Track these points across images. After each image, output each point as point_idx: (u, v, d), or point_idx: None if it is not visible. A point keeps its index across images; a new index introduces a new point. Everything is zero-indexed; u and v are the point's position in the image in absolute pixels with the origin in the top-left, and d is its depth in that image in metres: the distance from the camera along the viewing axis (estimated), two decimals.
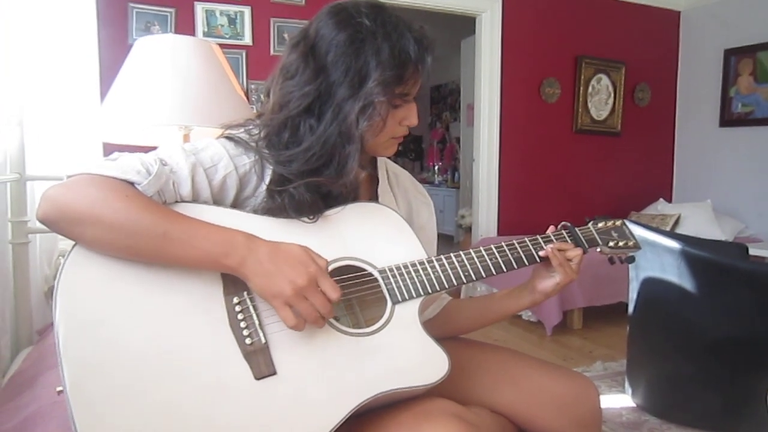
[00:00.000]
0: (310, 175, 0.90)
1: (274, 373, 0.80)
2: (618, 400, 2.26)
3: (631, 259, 1.12)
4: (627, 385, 2.26)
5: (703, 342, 1.92)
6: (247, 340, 0.81)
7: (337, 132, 0.89)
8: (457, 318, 1.16)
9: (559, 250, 1.02)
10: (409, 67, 0.91)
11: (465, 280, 0.97)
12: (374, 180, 1.09)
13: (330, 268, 0.89)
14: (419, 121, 0.98)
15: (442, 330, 1.10)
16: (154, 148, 0.90)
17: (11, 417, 1.02)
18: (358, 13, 0.90)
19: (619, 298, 3.27)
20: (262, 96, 1.01)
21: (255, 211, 0.91)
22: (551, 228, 1.08)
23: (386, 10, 0.93)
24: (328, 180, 0.91)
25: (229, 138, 0.94)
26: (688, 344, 1.97)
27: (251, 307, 0.83)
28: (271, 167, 0.92)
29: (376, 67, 0.88)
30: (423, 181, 7.62)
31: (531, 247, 1.04)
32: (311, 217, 0.91)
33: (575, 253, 1.03)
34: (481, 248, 1.01)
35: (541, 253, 1.03)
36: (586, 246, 1.07)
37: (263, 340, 0.82)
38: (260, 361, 0.80)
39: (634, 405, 2.21)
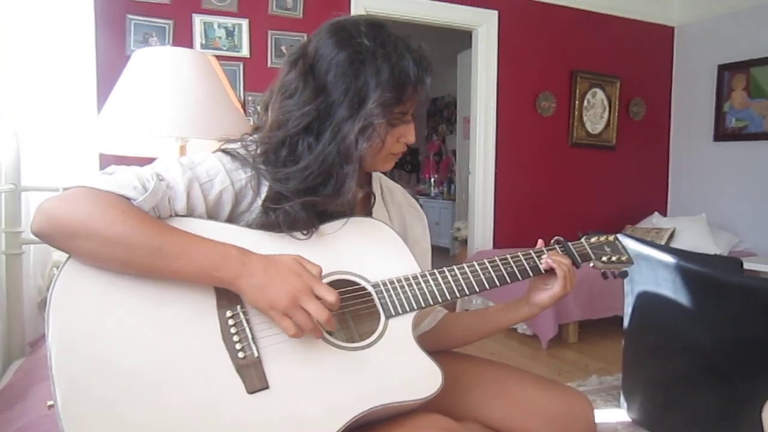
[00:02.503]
0: (307, 193, 0.90)
1: (267, 387, 0.80)
2: (613, 415, 2.25)
3: (624, 274, 1.12)
4: (622, 399, 2.26)
5: (698, 356, 1.92)
6: (240, 354, 0.81)
7: (335, 152, 0.90)
8: (453, 331, 1.15)
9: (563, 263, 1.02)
10: (409, 88, 0.91)
11: (458, 295, 0.97)
12: (368, 195, 1.09)
13: (323, 282, 0.89)
14: (416, 133, 0.99)
15: (437, 343, 1.10)
16: (151, 159, 0.90)
17: (2, 429, 1.02)
18: (358, 32, 0.91)
19: (614, 312, 3.27)
20: (258, 108, 1.01)
21: (249, 226, 0.91)
22: (540, 242, 1.09)
23: (385, 30, 0.93)
24: (325, 199, 0.91)
25: (226, 152, 0.94)
26: (683, 358, 1.97)
27: (244, 321, 0.83)
28: (267, 183, 0.92)
29: (375, 88, 0.88)
30: (419, 194, 7.63)
31: (524, 261, 1.04)
32: (305, 233, 0.92)
33: (569, 262, 1.04)
34: (475, 263, 1.01)
35: (543, 264, 1.03)
36: (579, 261, 1.08)
37: (256, 354, 0.82)
38: (253, 375, 0.80)
39: (629, 419, 2.20)
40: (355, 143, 0.89)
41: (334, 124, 0.90)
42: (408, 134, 0.97)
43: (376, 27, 0.92)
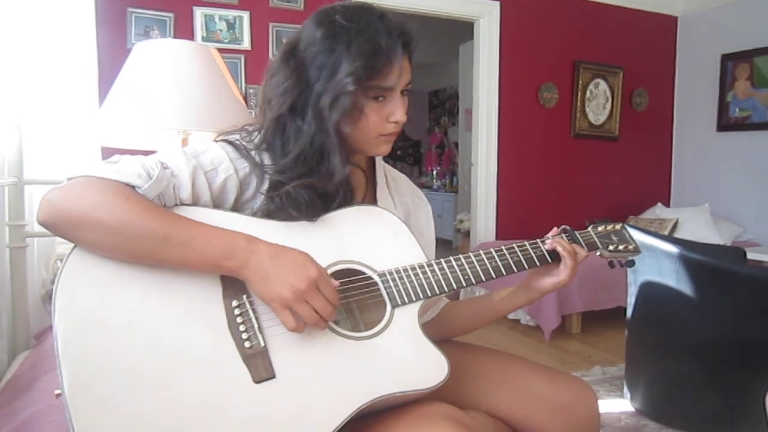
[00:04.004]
0: (304, 177, 0.91)
1: (273, 377, 0.80)
2: (617, 405, 2.26)
3: (631, 263, 1.11)
4: (626, 389, 2.26)
5: (701, 346, 1.92)
6: (246, 344, 0.81)
7: (317, 128, 0.91)
8: (454, 319, 1.16)
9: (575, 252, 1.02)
10: (380, 56, 0.90)
11: (465, 284, 0.96)
12: (372, 184, 1.09)
13: (329, 271, 0.89)
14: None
15: (438, 332, 1.10)
16: (153, 152, 0.90)
17: (8, 421, 1.02)
18: (334, 11, 0.93)
19: (617, 303, 3.27)
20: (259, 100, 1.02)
21: (254, 214, 0.91)
22: (554, 230, 1.08)
23: (367, 10, 0.93)
24: (320, 179, 0.92)
25: (229, 141, 0.94)
26: (686, 348, 1.97)
27: (250, 311, 0.83)
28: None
29: (346, 59, 0.89)
30: (421, 186, 7.60)
31: (531, 250, 1.03)
32: (312, 219, 0.91)
33: (585, 252, 1.04)
34: (481, 252, 1.00)
35: (547, 247, 1.02)
36: (586, 249, 1.07)
37: (262, 344, 0.82)
38: (259, 365, 0.80)
39: (632, 409, 2.20)
40: (329, 115, 0.90)
41: (313, 101, 0.91)
42: (396, 111, 0.94)
43: (358, 7, 0.94)
